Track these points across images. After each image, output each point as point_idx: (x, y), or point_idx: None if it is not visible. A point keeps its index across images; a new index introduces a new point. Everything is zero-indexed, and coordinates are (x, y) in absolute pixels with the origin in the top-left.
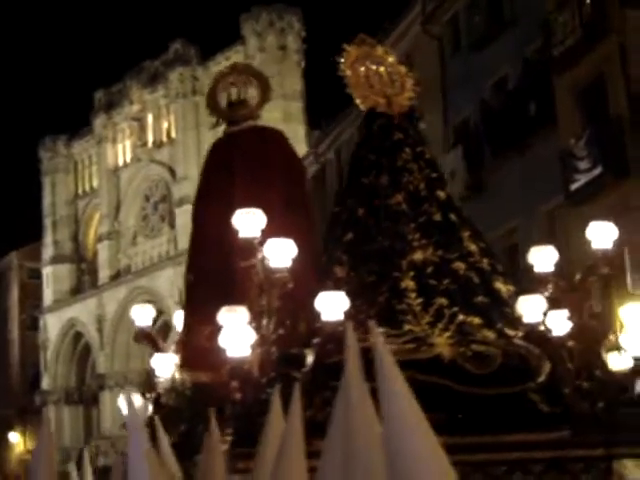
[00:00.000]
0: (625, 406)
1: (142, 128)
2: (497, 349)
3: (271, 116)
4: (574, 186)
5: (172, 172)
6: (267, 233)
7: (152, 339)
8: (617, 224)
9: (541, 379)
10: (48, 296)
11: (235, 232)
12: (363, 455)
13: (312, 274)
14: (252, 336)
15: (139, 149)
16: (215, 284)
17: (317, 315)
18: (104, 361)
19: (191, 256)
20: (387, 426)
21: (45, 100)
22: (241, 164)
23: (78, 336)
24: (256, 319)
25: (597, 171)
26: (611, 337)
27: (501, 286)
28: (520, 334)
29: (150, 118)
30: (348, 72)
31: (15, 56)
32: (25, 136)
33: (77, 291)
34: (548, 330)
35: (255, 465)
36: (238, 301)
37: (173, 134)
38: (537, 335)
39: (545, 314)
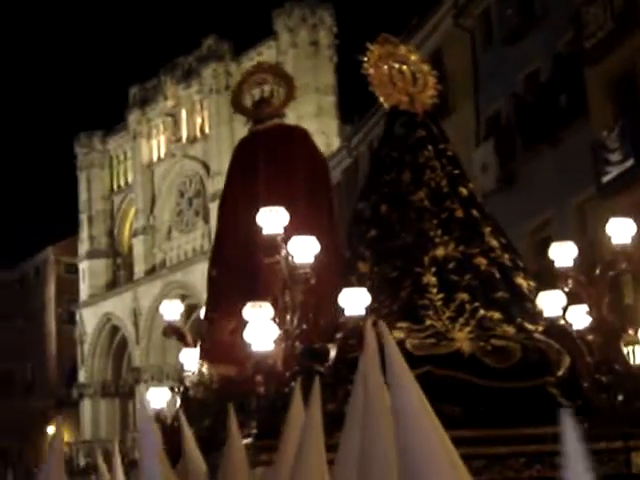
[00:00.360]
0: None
1: (176, 123)
2: (516, 344)
3: (304, 110)
4: (605, 178)
5: (206, 167)
6: (291, 230)
7: (181, 333)
8: None
9: (560, 373)
10: (84, 290)
11: (259, 229)
12: (379, 449)
13: (335, 270)
14: (275, 331)
15: (173, 144)
16: (239, 280)
17: (340, 310)
18: (140, 355)
19: (215, 251)
20: (397, 421)
21: (80, 96)
22: (266, 162)
23: (114, 330)
24: (280, 314)
25: (629, 163)
26: (630, 331)
27: (522, 281)
28: (540, 329)
29: (184, 113)
30: (371, 71)
31: (52, 53)
32: (61, 132)
33: (113, 285)
34: (568, 325)
35: (276, 457)
36: (262, 297)
37: (207, 129)
38: (557, 330)
39: (565, 309)
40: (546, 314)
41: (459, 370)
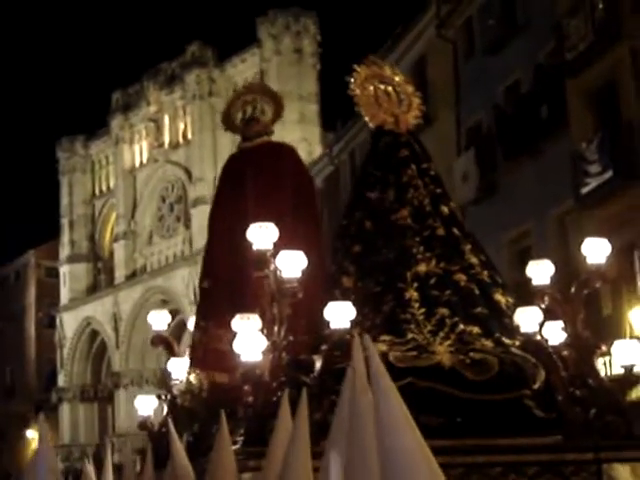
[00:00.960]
0: (614, 413)
1: (159, 129)
2: (494, 357)
3: (287, 118)
4: (585, 190)
5: (188, 173)
6: (278, 245)
7: (168, 343)
8: (627, 228)
9: (536, 386)
10: (65, 295)
11: (248, 244)
12: (363, 456)
13: (320, 284)
14: (263, 342)
15: (155, 150)
16: (230, 292)
17: (325, 323)
18: (119, 359)
19: (206, 264)
20: (379, 429)
21: (63, 101)
22: (254, 178)
23: (94, 334)
24: (268, 326)
25: (607, 175)
26: (604, 347)
27: (500, 297)
28: (517, 343)
29: (167, 119)
30: (357, 91)
31: (34, 57)
32: (43, 136)
33: (93, 290)
34: (544, 340)
35: (264, 464)
36: (251, 309)
37: (189, 135)
38: (533, 344)
39: (541, 324)
40: (523, 329)
41: (439, 382)
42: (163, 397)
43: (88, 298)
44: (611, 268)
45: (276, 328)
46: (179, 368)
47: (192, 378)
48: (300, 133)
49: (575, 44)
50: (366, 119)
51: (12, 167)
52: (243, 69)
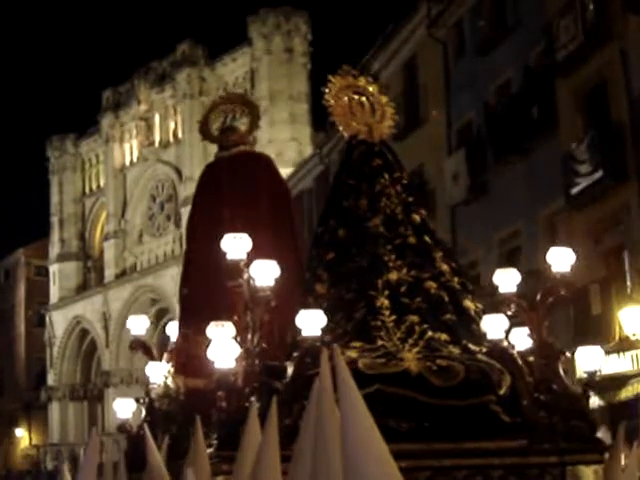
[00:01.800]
0: (578, 417)
1: (149, 128)
2: (460, 364)
3: (278, 117)
4: (575, 190)
5: (178, 172)
6: (255, 253)
7: (147, 347)
8: (617, 227)
9: (502, 392)
10: (54, 293)
11: (223, 253)
12: (329, 460)
13: (296, 292)
14: (237, 349)
15: (146, 149)
16: (209, 299)
17: (298, 330)
18: (109, 358)
19: (185, 271)
20: (344, 435)
21: (53, 99)
22: (231, 188)
23: (84, 333)
24: (241, 334)
25: (597, 175)
26: (567, 353)
27: (470, 304)
28: (484, 350)
29: (157, 118)
30: (332, 101)
31: (24, 55)
32: (33, 135)
33: (83, 289)
34: (511, 346)
35: (235, 467)
36: (227, 316)
37: (180, 134)
38: (499, 351)
39: (508, 331)
40: (489, 336)
41: (407, 388)
42: (142, 400)
43: (78, 297)
44: (574, 277)
45: (249, 336)
46: (157, 372)
47: (169, 382)
48: (290, 133)
49: (565, 44)
50: (340, 128)
51: (2, 165)
52: (234, 68)
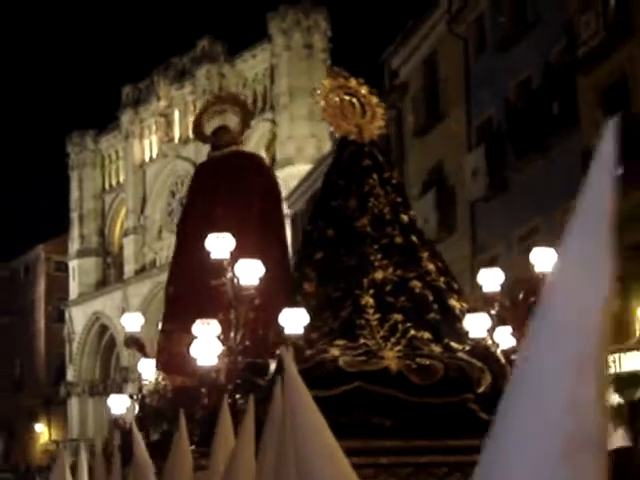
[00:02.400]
0: None
1: (169, 124)
2: (440, 362)
3: (297, 113)
4: None
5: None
6: (245, 251)
7: (141, 344)
8: (636, 225)
9: (481, 390)
10: (74, 289)
11: (208, 252)
12: (287, 461)
13: (282, 290)
14: (219, 347)
15: (165, 145)
16: (194, 297)
17: (281, 328)
18: (128, 354)
19: (172, 270)
20: (293, 435)
21: (74, 95)
22: (223, 187)
23: (103, 329)
24: (225, 332)
25: (618, 172)
26: None
27: (455, 303)
28: (467, 348)
29: (177, 114)
30: (323, 102)
31: (45, 52)
32: (54, 131)
33: (103, 284)
34: (493, 344)
35: (209, 463)
36: (213, 315)
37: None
38: (481, 349)
39: (493, 329)
40: (472, 335)
41: (387, 386)
42: (135, 397)
43: (97, 293)
44: (620, 266)
45: (232, 333)
46: (149, 369)
47: (159, 379)
48: (309, 129)
49: (586, 40)
50: (331, 129)
51: (22, 161)
52: (253, 64)
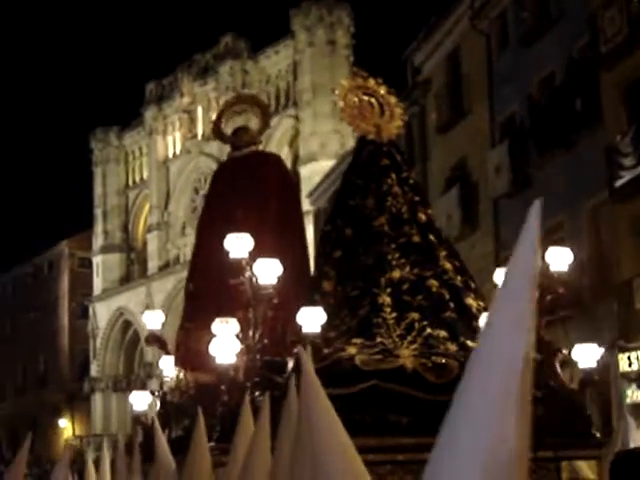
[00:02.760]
0: (574, 413)
1: (192, 120)
2: (455, 361)
3: (320, 110)
4: (618, 182)
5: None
6: (263, 250)
7: (162, 342)
8: None
9: None
10: (98, 285)
11: (227, 252)
12: (305, 457)
13: (301, 289)
14: (238, 345)
15: (189, 141)
16: (214, 295)
17: (299, 327)
18: (152, 350)
19: (192, 268)
20: (309, 432)
21: (98, 92)
22: (242, 187)
23: (127, 325)
24: (243, 330)
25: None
26: (564, 351)
27: (472, 302)
28: None
29: (200, 111)
30: (341, 103)
31: (70, 49)
32: (78, 127)
33: (126, 280)
34: None
35: (228, 459)
36: (232, 313)
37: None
38: None
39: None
40: None
41: (402, 384)
42: (156, 393)
43: (121, 288)
44: (570, 276)
45: (251, 332)
46: (170, 366)
47: (180, 376)
48: (333, 125)
49: (610, 37)
50: (350, 128)
51: (46, 158)
52: (276, 61)
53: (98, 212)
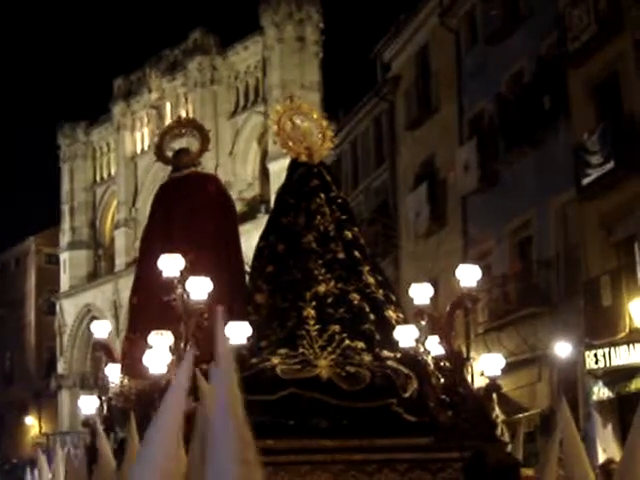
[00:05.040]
0: (480, 417)
1: (160, 116)
2: (367, 370)
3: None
4: (586, 180)
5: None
6: (203, 263)
7: (108, 350)
8: (628, 219)
9: (407, 395)
10: (65, 281)
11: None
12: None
13: (237, 299)
14: (169, 356)
15: (157, 137)
16: (153, 309)
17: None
18: (120, 347)
19: (136, 282)
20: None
21: (64, 87)
22: (181, 206)
23: (94, 321)
24: (176, 342)
25: (609, 166)
26: (472, 360)
27: (392, 314)
28: (398, 356)
29: (168, 106)
30: (275, 127)
31: (36, 43)
32: (44, 122)
33: (93, 277)
34: (426, 352)
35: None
36: (169, 326)
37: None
38: (409, 357)
39: (425, 338)
40: (401, 344)
41: (318, 392)
42: (103, 398)
43: (88, 285)
44: (611, 259)
45: (182, 344)
46: (115, 373)
47: (124, 382)
48: None
49: (577, 35)
50: (283, 151)
51: (13, 153)
52: (245, 57)
53: (65, 208)
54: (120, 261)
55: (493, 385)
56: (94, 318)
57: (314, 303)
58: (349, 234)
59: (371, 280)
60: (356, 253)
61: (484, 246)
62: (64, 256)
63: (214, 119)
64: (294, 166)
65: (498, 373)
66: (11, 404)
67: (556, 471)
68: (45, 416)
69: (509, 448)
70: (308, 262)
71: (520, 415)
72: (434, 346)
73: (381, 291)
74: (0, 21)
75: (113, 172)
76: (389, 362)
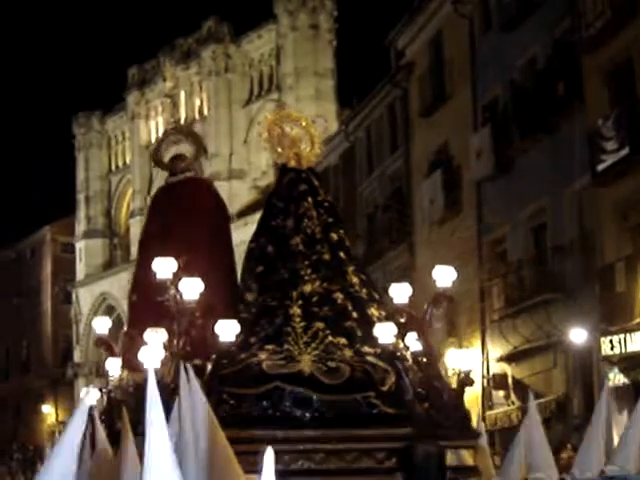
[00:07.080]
0: (454, 409)
1: (174, 105)
2: (347, 365)
3: (303, 94)
4: (601, 166)
5: (204, 149)
6: (195, 267)
7: (109, 345)
8: None
9: (385, 388)
10: (81, 270)
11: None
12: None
13: (229, 297)
14: (162, 352)
15: (171, 126)
16: (150, 307)
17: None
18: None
19: (135, 281)
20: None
21: (79, 77)
22: (176, 209)
23: (110, 310)
24: (169, 339)
25: (624, 152)
26: (445, 356)
27: (374, 311)
28: (378, 351)
29: (182, 95)
30: (265, 134)
31: (51, 33)
32: (60, 112)
33: (109, 265)
34: (405, 347)
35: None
36: (164, 324)
37: (205, 111)
38: (387, 353)
39: (404, 335)
40: (381, 341)
41: (301, 386)
42: (104, 390)
43: (104, 274)
44: (627, 245)
45: (175, 341)
46: (115, 366)
47: (122, 376)
48: (316, 109)
49: (592, 21)
50: (273, 157)
51: (28, 143)
52: (259, 45)
53: (81, 197)
54: (136, 249)
55: (466, 379)
56: (110, 307)
57: (300, 302)
58: (335, 236)
59: (355, 280)
60: (341, 254)
61: (499, 232)
62: (80, 245)
63: (228, 107)
64: (283, 171)
65: (469, 368)
66: (28, 392)
67: (570, 456)
68: (61, 404)
69: (483, 440)
70: (295, 263)
71: (536, 402)
72: (413, 342)
73: (364, 290)
74: (15, 12)
75: (128, 161)
76: (369, 357)
